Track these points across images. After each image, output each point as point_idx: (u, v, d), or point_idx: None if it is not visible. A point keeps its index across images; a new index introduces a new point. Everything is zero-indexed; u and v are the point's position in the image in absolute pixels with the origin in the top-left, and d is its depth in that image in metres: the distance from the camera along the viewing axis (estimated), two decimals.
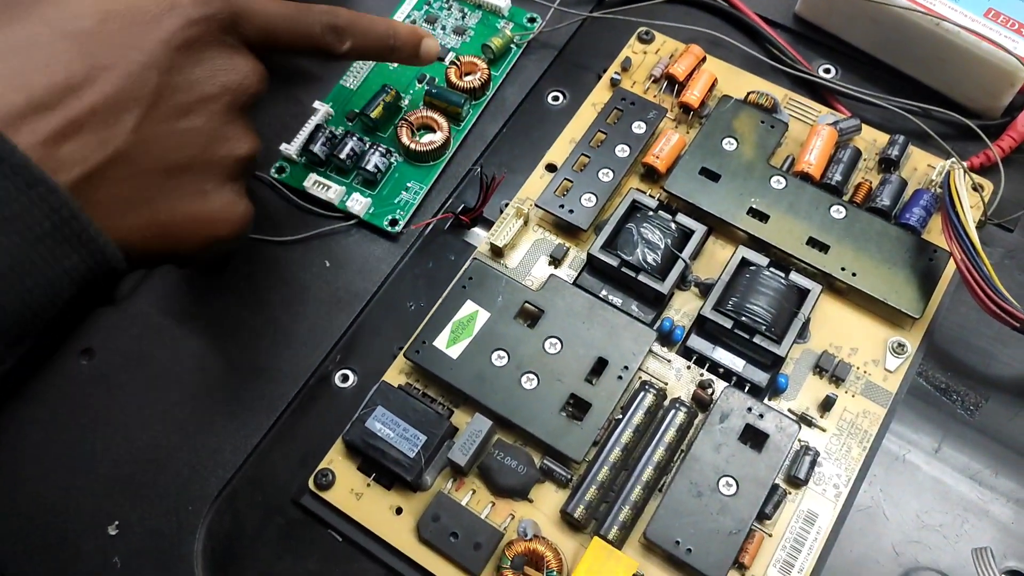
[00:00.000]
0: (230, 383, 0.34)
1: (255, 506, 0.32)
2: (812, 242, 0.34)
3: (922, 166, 0.36)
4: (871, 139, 0.37)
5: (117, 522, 0.32)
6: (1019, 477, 0.31)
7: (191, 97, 0.28)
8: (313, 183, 0.37)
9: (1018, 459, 0.32)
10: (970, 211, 0.32)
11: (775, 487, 0.30)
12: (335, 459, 0.32)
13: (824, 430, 0.32)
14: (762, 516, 0.30)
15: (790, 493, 0.31)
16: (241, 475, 0.33)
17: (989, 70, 0.36)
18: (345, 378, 0.34)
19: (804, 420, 0.32)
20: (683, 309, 0.34)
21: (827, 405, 0.32)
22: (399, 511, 0.31)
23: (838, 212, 0.34)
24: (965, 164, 0.34)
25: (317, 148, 0.37)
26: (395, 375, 0.33)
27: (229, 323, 0.36)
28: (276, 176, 0.38)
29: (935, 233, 0.34)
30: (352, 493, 0.31)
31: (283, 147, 0.38)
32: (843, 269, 0.33)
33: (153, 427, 0.34)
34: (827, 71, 0.40)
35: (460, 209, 0.37)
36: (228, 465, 0.33)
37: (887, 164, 0.36)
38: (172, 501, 0.32)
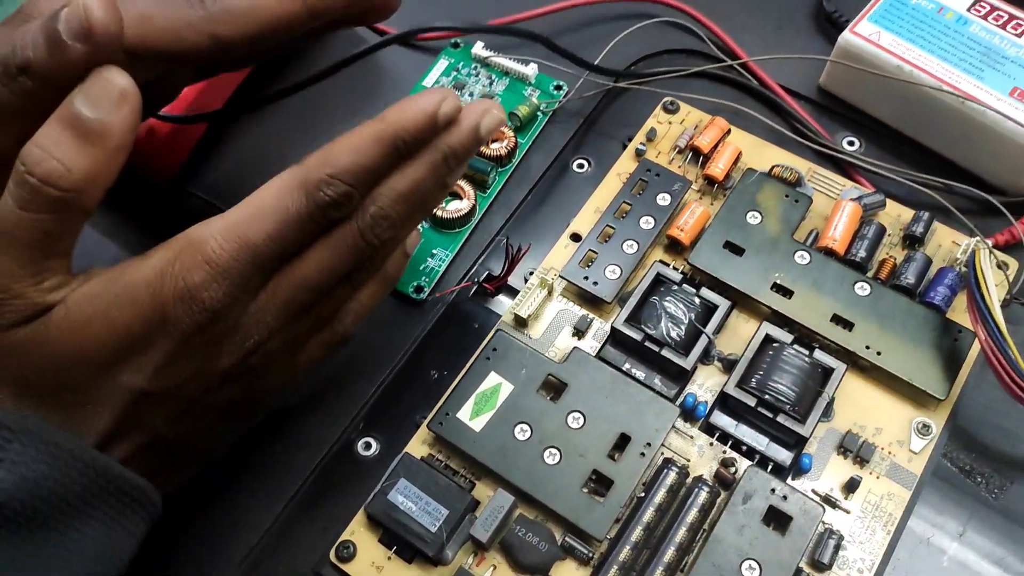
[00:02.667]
0: (255, 448, 0.35)
1: (278, 574, 0.32)
2: (836, 319, 0.34)
3: (947, 243, 0.36)
4: (895, 214, 0.37)
5: None
6: None
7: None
8: None
9: None
10: (995, 291, 0.32)
11: (799, 571, 0.30)
12: (357, 530, 0.32)
13: (848, 512, 0.31)
14: None
15: None
16: (263, 543, 0.33)
17: (1014, 148, 0.36)
18: (368, 446, 0.35)
19: (828, 501, 0.32)
20: (706, 384, 0.34)
21: (851, 487, 0.32)
22: None
23: (862, 289, 0.34)
24: (990, 242, 0.34)
25: None
26: (418, 446, 0.34)
27: None
28: None
29: (959, 311, 0.34)
30: (373, 566, 0.31)
31: None
32: (867, 347, 0.33)
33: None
34: (851, 143, 0.40)
35: (485, 277, 0.37)
36: (252, 532, 0.33)
37: (912, 240, 0.36)
38: (196, 569, 0.32)
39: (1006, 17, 0.38)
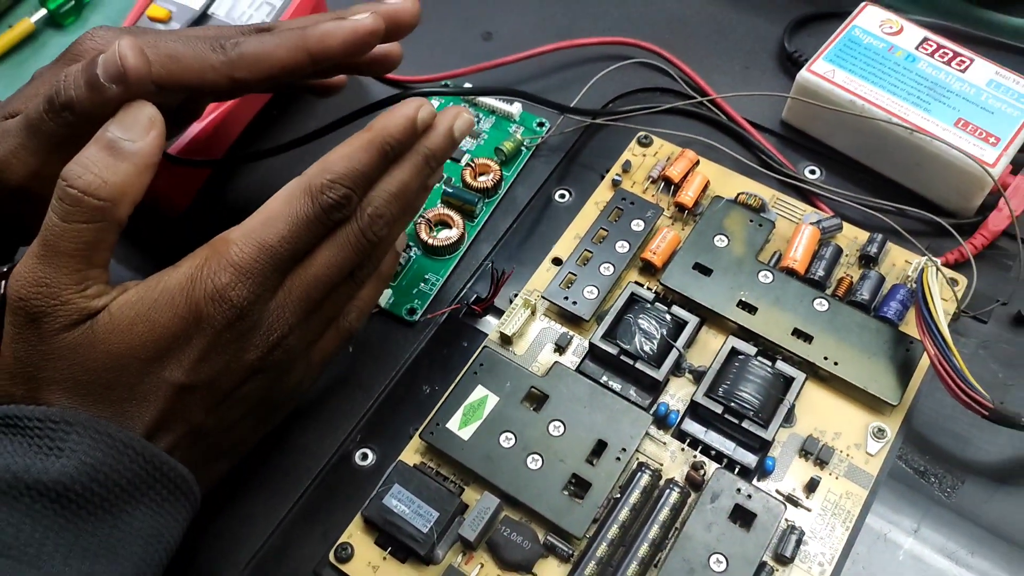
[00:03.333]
0: (260, 459, 0.37)
1: None
2: (797, 333, 0.37)
3: (900, 262, 0.39)
4: (852, 236, 0.40)
5: None
6: (994, 557, 0.33)
7: None
8: None
9: (993, 540, 0.34)
10: (941, 306, 0.34)
11: (763, 564, 0.32)
12: (354, 533, 0.34)
13: (809, 510, 0.34)
14: None
15: (777, 571, 0.33)
16: (267, 547, 0.35)
17: (960, 175, 0.39)
18: (365, 456, 0.37)
19: (790, 500, 0.34)
20: (678, 394, 0.37)
21: (812, 487, 0.34)
22: None
23: (821, 305, 0.37)
24: (939, 260, 0.37)
25: None
26: (411, 455, 0.36)
27: None
28: None
29: (911, 325, 0.37)
30: (369, 566, 0.34)
31: None
32: (826, 358, 0.36)
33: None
34: (812, 172, 0.43)
35: (473, 299, 0.40)
36: (255, 537, 0.35)
37: (867, 260, 0.39)
38: (202, 571, 0.35)
39: (951, 54, 0.42)
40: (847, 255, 0.39)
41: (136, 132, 0.29)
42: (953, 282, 0.38)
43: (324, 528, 0.35)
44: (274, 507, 0.36)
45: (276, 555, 0.35)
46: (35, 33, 0.55)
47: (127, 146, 0.29)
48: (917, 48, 0.42)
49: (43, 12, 0.55)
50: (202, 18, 0.45)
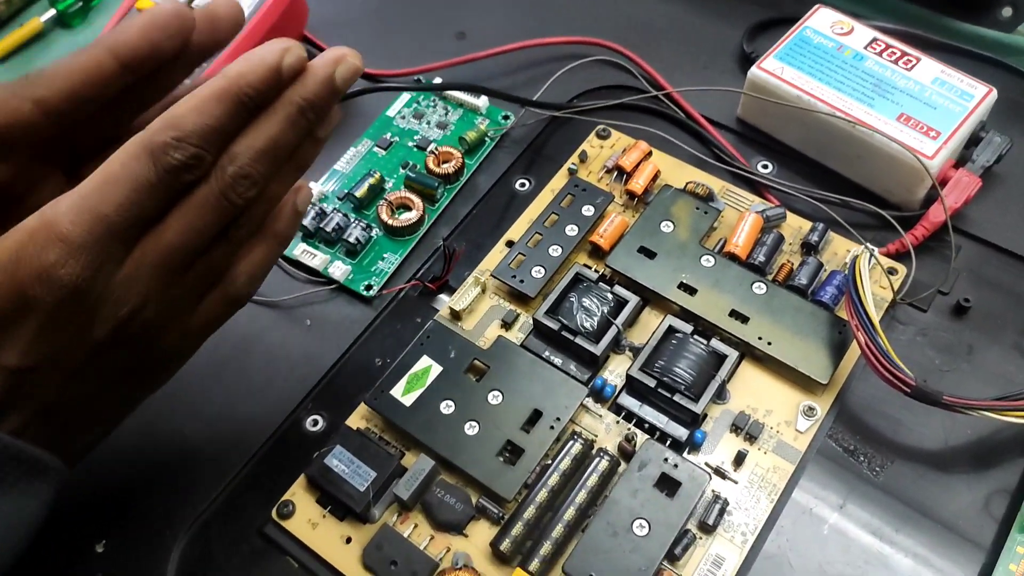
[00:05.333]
0: (213, 425, 0.39)
1: (224, 535, 0.36)
2: (734, 314, 0.38)
3: (841, 251, 0.40)
4: (797, 226, 0.41)
5: (104, 541, 0.36)
6: (919, 534, 0.34)
7: None
8: (302, 251, 0.42)
9: (919, 518, 0.34)
10: (871, 290, 0.35)
11: (685, 531, 0.33)
12: (297, 492, 0.36)
13: (736, 482, 0.35)
14: (672, 557, 0.33)
15: (700, 538, 0.34)
16: (213, 508, 0.37)
17: (901, 168, 0.40)
18: (315, 423, 0.38)
19: (718, 472, 0.35)
20: (616, 370, 0.38)
21: (740, 460, 0.35)
22: (348, 540, 0.34)
23: (759, 288, 0.38)
24: (878, 250, 0.38)
25: (307, 221, 0.43)
26: (357, 420, 0.37)
27: (217, 370, 0.40)
28: None
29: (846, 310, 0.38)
30: (309, 523, 0.35)
31: None
32: (760, 338, 0.37)
33: (140, 456, 0.38)
34: (764, 167, 0.44)
35: (429, 278, 0.42)
36: (202, 498, 0.37)
37: (808, 248, 0.40)
38: (151, 526, 0.36)
39: (899, 53, 0.43)
40: (790, 243, 0.41)
41: None
42: (892, 271, 0.39)
43: (270, 490, 0.37)
44: (223, 471, 0.37)
45: (222, 515, 0.36)
46: (43, 32, 0.57)
47: None
48: (866, 47, 0.43)
49: (52, 12, 0.57)
50: None
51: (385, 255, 0.43)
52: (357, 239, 0.42)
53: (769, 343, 0.37)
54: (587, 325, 0.38)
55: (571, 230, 0.41)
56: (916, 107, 0.41)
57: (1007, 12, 0.51)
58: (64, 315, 0.26)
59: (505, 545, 0.33)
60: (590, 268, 0.40)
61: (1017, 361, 0.38)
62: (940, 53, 0.44)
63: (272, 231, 0.32)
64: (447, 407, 0.36)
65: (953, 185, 0.40)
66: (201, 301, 0.31)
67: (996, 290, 0.40)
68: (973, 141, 0.41)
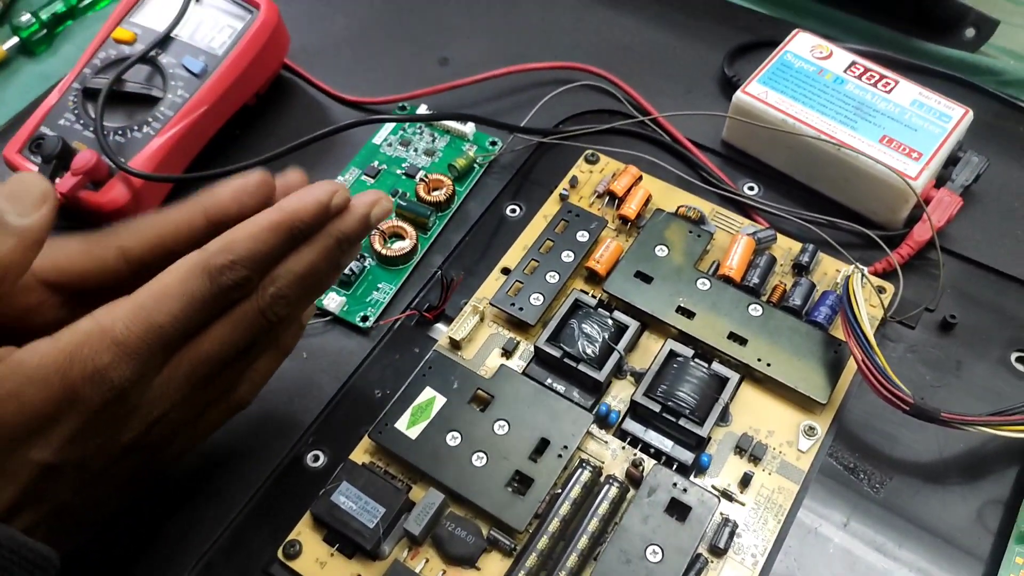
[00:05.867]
0: (213, 461, 0.38)
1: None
2: (732, 336, 0.38)
3: (831, 271, 0.41)
4: (787, 247, 0.42)
5: None
6: (921, 549, 0.35)
7: None
8: None
9: (920, 532, 0.35)
10: (865, 309, 0.36)
11: (697, 556, 0.34)
12: (303, 531, 0.35)
13: (743, 504, 0.35)
14: None
15: (712, 562, 0.34)
16: (216, 547, 0.36)
17: (885, 188, 0.41)
18: (316, 458, 0.38)
19: (725, 495, 0.35)
20: (619, 396, 0.38)
21: (746, 482, 0.35)
22: None
23: (755, 310, 0.39)
24: (866, 269, 0.39)
25: None
26: (361, 454, 0.37)
27: None
28: None
29: (839, 329, 0.39)
30: (317, 562, 0.35)
31: None
32: (759, 360, 0.37)
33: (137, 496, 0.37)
34: (751, 189, 0.45)
35: (425, 307, 0.42)
36: (205, 538, 0.36)
37: (799, 269, 0.41)
38: (154, 569, 0.35)
39: (877, 76, 0.44)
40: (781, 264, 0.41)
41: (25, 206, 0.27)
42: (881, 290, 0.40)
43: (274, 528, 0.36)
44: (224, 509, 0.37)
45: (225, 555, 0.36)
46: (7, 60, 0.56)
47: (14, 220, 0.27)
48: (845, 71, 0.45)
49: (15, 40, 0.56)
50: (166, 40, 0.47)
51: (380, 285, 0.42)
52: (351, 269, 0.42)
53: (768, 364, 0.37)
54: (589, 351, 0.38)
55: (567, 256, 0.41)
56: (897, 129, 0.42)
57: (970, 32, 0.53)
58: (104, 417, 0.27)
59: None
60: (587, 294, 0.40)
61: (1004, 375, 0.39)
62: (911, 74, 0.45)
63: (279, 343, 0.34)
64: (453, 439, 0.36)
65: (936, 204, 0.41)
66: (210, 408, 0.32)
67: (980, 306, 0.41)
68: (951, 161, 0.43)
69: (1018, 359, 0.39)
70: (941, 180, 0.43)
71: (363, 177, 0.46)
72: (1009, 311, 0.41)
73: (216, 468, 0.38)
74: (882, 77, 0.44)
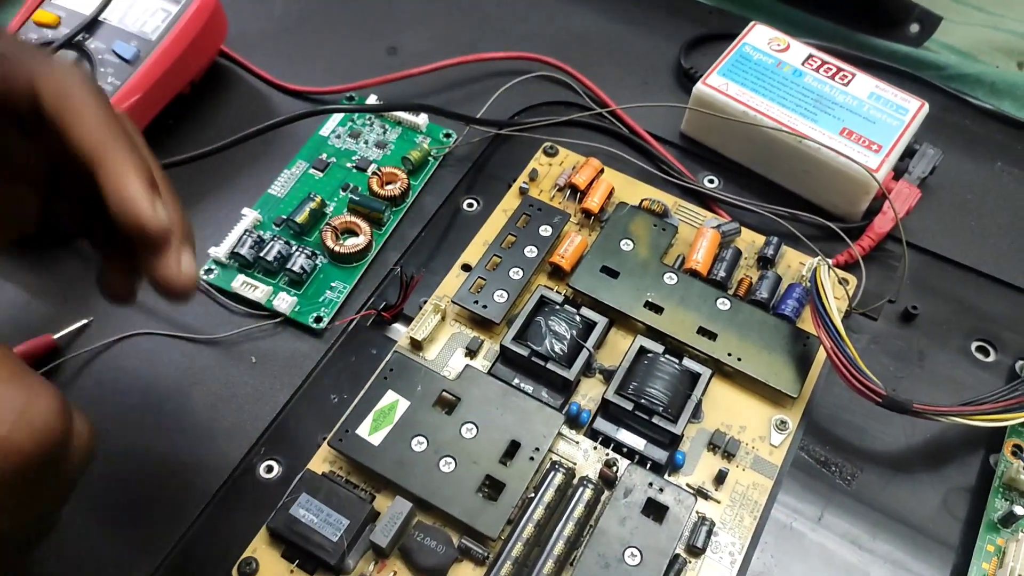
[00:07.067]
0: (156, 476, 0.35)
1: None
2: (702, 331, 0.37)
3: (795, 264, 0.41)
4: (750, 240, 0.41)
5: None
6: (894, 540, 0.35)
7: None
8: (241, 283, 0.39)
9: (893, 524, 0.35)
10: (834, 301, 0.36)
11: (676, 556, 0.33)
12: (259, 547, 0.33)
13: (719, 502, 0.34)
14: None
15: (690, 562, 0.33)
16: (165, 567, 0.33)
17: (846, 180, 0.41)
18: (270, 469, 0.36)
19: (701, 493, 0.34)
20: (589, 394, 0.37)
21: (720, 479, 0.35)
22: None
23: (723, 304, 0.38)
24: (831, 261, 0.38)
25: (245, 251, 0.40)
26: (319, 464, 0.35)
27: (155, 416, 0.37)
28: (205, 278, 0.40)
29: (807, 322, 0.38)
30: None
31: (211, 250, 0.40)
32: (729, 355, 0.37)
33: (77, 518, 0.34)
34: (711, 181, 0.45)
35: (382, 307, 0.40)
36: (152, 557, 0.33)
37: (764, 262, 0.40)
38: None
39: (835, 69, 0.44)
40: (746, 257, 0.41)
41: None
42: (844, 282, 0.40)
43: (227, 545, 0.34)
44: (172, 526, 0.34)
45: (175, 574, 0.33)
46: None
47: None
48: (803, 64, 0.44)
49: None
50: (93, 24, 0.43)
51: (333, 284, 0.40)
52: (302, 267, 0.40)
53: (739, 359, 0.37)
54: (557, 350, 0.37)
55: (530, 251, 0.40)
56: (856, 122, 0.42)
57: (915, 28, 0.54)
58: None
59: None
60: (552, 290, 0.39)
61: (965, 365, 0.39)
62: (869, 70, 0.45)
63: None
64: (419, 444, 0.34)
65: (895, 196, 0.41)
66: None
67: (940, 297, 0.41)
68: (907, 154, 0.43)
69: (978, 348, 0.40)
70: (898, 173, 0.43)
71: (311, 171, 0.44)
72: (968, 301, 0.41)
73: (162, 481, 0.35)
74: (839, 70, 0.44)
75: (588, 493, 0.33)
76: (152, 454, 0.36)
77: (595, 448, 0.36)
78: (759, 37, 0.46)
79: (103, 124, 0.25)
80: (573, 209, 0.42)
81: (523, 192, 0.43)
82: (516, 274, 0.39)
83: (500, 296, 0.38)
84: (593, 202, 0.41)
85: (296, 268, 0.39)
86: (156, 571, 0.33)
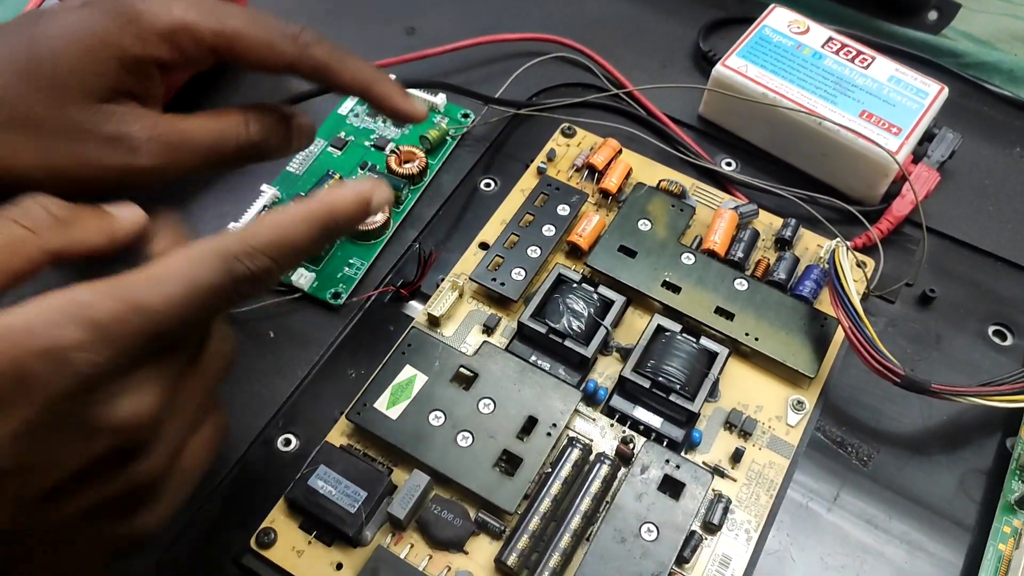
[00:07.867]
0: None
1: (198, 567, 0.33)
2: (719, 311, 0.37)
3: (812, 246, 0.41)
4: (768, 222, 0.41)
5: None
6: (910, 520, 0.35)
7: None
8: None
9: (909, 504, 0.35)
10: (853, 283, 0.36)
11: (692, 532, 0.33)
12: (277, 518, 0.33)
13: (735, 480, 0.34)
14: (681, 560, 0.32)
15: (706, 538, 0.33)
16: (184, 539, 0.33)
17: (865, 163, 0.41)
18: (288, 442, 0.36)
19: (717, 471, 0.35)
20: (606, 372, 0.37)
21: (737, 457, 0.35)
22: (339, 567, 0.32)
23: (741, 285, 0.38)
24: (849, 243, 0.38)
25: None
26: (337, 437, 0.35)
27: None
28: None
29: (824, 303, 0.38)
30: (293, 551, 0.32)
31: (231, 227, 0.40)
32: (747, 334, 0.37)
33: None
34: (728, 164, 0.45)
35: (400, 284, 0.40)
36: (173, 526, 0.33)
37: (782, 243, 0.40)
38: (118, 563, 0.33)
39: (855, 52, 0.44)
40: (763, 239, 0.41)
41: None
42: (862, 264, 0.40)
43: (245, 516, 0.34)
44: (191, 498, 0.34)
45: (193, 546, 0.33)
46: None
47: None
48: (823, 46, 0.44)
49: None
50: None
51: (351, 260, 0.40)
52: None
53: (756, 339, 0.37)
54: (575, 327, 0.37)
55: (548, 230, 0.40)
56: (876, 104, 0.42)
57: (933, 15, 0.54)
58: (64, 414, 0.22)
59: (512, 559, 0.31)
60: (570, 268, 0.39)
61: (983, 348, 0.39)
62: (885, 56, 0.45)
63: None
64: (436, 418, 0.34)
65: (915, 179, 0.41)
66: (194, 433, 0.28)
67: (957, 281, 0.41)
68: (926, 138, 0.43)
69: (995, 332, 0.40)
70: (917, 156, 0.43)
71: (330, 149, 0.44)
72: (985, 285, 0.41)
73: None
74: (859, 53, 0.44)
75: (605, 469, 0.33)
76: None
77: (612, 426, 0.36)
78: (779, 19, 0.45)
79: (362, 67, 0.37)
80: (591, 189, 0.42)
81: (541, 172, 0.43)
82: (534, 252, 0.39)
83: (518, 274, 0.38)
84: (611, 182, 0.41)
85: None
86: (175, 541, 0.33)
